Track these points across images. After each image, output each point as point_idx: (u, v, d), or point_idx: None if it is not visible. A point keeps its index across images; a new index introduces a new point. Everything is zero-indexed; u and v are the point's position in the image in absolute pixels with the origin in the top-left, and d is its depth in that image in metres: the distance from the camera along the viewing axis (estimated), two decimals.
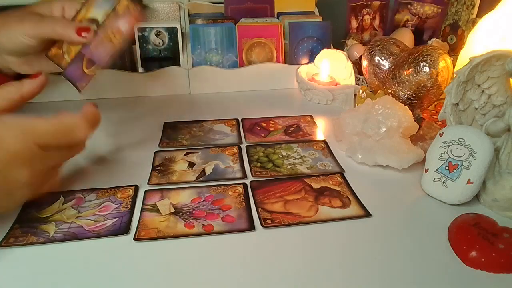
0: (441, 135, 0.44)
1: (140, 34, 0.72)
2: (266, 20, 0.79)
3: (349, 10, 0.88)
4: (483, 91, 0.46)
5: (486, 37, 0.55)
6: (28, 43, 0.46)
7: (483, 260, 0.35)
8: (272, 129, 0.60)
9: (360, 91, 0.64)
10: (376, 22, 0.89)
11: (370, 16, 0.88)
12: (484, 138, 0.42)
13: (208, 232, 0.39)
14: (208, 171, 0.49)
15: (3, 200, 0.37)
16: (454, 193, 0.42)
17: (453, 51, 0.76)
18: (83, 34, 0.46)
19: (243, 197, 0.44)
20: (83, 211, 0.42)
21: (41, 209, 0.42)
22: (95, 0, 0.49)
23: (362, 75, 0.68)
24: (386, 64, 0.62)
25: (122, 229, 0.39)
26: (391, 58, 0.61)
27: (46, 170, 0.40)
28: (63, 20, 0.48)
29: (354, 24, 0.89)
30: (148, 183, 0.46)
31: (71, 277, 0.34)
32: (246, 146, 0.55)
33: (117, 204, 0.43)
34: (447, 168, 0.43)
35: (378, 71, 0.63)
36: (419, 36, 0.84)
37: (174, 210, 0.42)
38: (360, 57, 0.70)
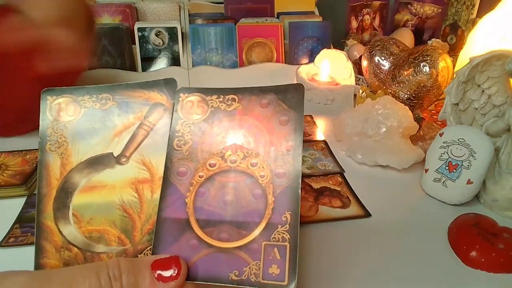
0: (441, 135, 0.44)
1: (140, 34, 0.72)
2: (266, 20, 0.79)
3: (349, 10, 0.88)
4: (483, 91, 0.46)
5: (486, 37, 0.55)
6: None
7: (483, 260, 0.35)
8: None
9: (360, 91, 0.64)
10: (376, 22, 0.89)
11: (370, 16, 0.88)
12: (484, 138, 0.42)
13: None
14: None
15: None
16: (454, 193, 0.42)
17: (453, 51, 0.76)
18: None
19: None
20: None
21: None
22: None
23: (362, 75, 0.68)
24: (386, 64, 0.62)
25: None
26: (391, 58, 0.61)
27: None
28: None
29: (354, 24, 0.89)
30: None
31: None
32: None
33: None
34: (447, 168, 0.43)
35: (378, 71, 0.63)
36: (419, 36, 0.84)
37: None
38: (360, 57, 0.70)
